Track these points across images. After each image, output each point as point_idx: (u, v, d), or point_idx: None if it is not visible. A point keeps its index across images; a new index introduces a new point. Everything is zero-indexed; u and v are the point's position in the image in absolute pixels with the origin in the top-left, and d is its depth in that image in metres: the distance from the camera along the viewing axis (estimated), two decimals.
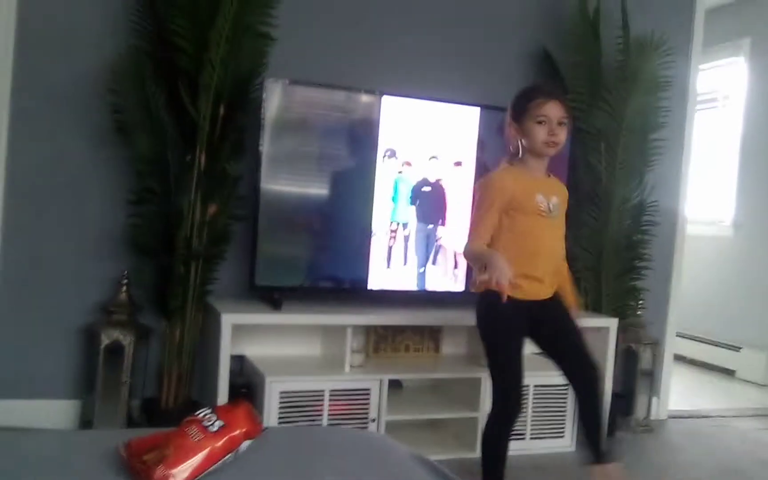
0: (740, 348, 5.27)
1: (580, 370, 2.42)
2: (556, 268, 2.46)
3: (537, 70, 3.68)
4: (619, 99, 3.53)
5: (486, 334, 2.41)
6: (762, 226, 5.30)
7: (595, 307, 3.61)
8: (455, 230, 3.27)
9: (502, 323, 2.35)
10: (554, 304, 2.45)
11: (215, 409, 1.56)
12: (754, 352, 5.16)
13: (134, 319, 2.95)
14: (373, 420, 2.95)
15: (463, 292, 3.31)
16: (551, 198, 2.40)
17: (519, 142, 2.38)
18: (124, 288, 2.95)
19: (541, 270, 2.38)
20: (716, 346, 5.44)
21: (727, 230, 5.54)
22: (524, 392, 2.42)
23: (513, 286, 2.19)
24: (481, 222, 2.34)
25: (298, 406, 2.85)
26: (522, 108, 2.37)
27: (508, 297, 2.14)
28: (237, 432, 1.51)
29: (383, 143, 3.11)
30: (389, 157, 3.13)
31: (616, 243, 3.63)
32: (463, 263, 3.28)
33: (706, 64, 4.86)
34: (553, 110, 2.34)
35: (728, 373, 5.33)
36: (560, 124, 2.35)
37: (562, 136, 2.37)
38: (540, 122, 2.33)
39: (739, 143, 5.53)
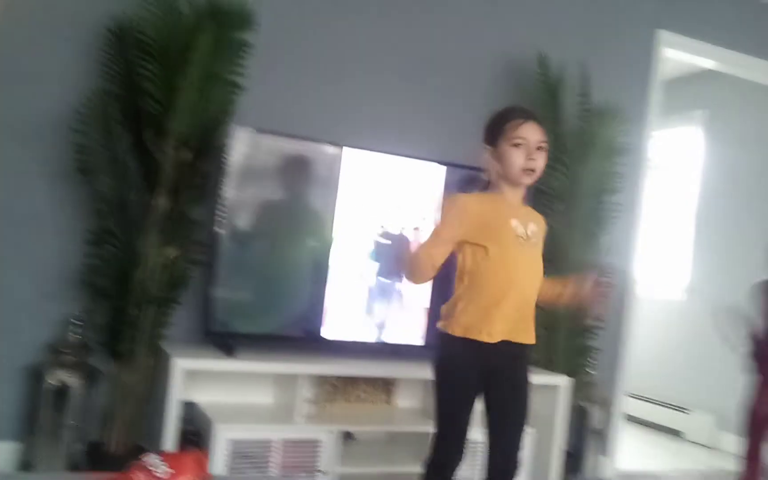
0: (688, 410, 5.36)
1: (503, 459, 2.26)
2: (531, 308, 2.26)
3: None
4: (577, 163, 3.63)
5: (440, 379, 2.27)
6: (715, 291, 5.43)
7: (547, 364, 3.65)
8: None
9: (459, 377, 2.23)
10: (518, 372, 2.29)
11: (163, 455, 1.54)
12: (702, 414, 5.25)
13: (83, 361, 2.89)
14: (324, 472, 2.92)
15: (417, 345, 3.32)
16: (528, 224, 2.23)
17: (493, 170, 2.23)
18: (75, 329, 2.89)
19: (513, 303, 2.18)
20: (665, 407, 5.53)
21: (681, 294, 5.67)
22: (465, 447, 2.27)
23: (483, 326, 2.13)
24: (438, 237, 2.19)
25: (247, 455, 2.80)
26: (497, 129, 2.20)
27: (469, 341, 2.14)
28: (184, 479, 1.50)
29: (344, 195, 3.14)
30: (354, 209, 3.16)
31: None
32: (421, 316, 3.30)
33: (662, 132, 5.04)
34: (532, 133, 2.17)
35: (676, 434, 5.41)
36: (539, 148, 2.18)
37: (541, 161, 2.19)
38: (516, 145, 2.16)
39: (694, 211, 5.70)
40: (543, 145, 2.19)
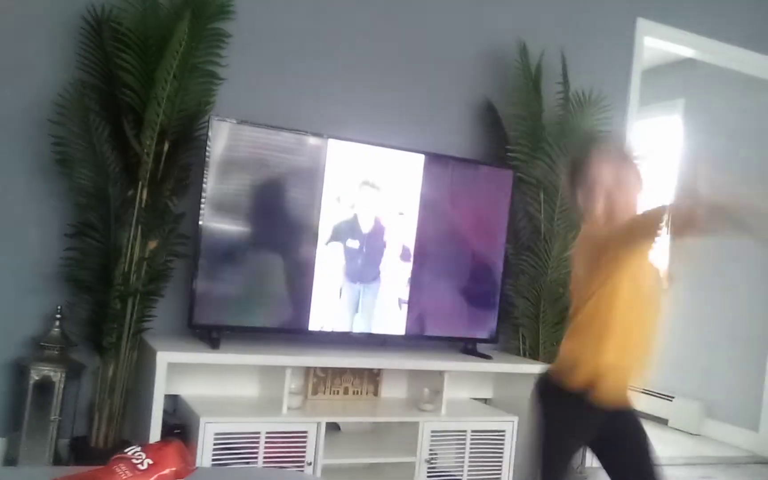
0: (673, 397, 5.40)
1: None
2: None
3: (481, 121, 3.78)
4: (559, 151, 3.64)
5: (545, 422, 1.99)
6: (696, 278, 5.48)
7: (531, 353, 3.67)
8: (396, 273, 3.30)
9: (566, 426, 1.98)
10: (627, 414, 2.07)
11: (145, 447, 1.53)
12: (687, 401, 5.30)
13: (66, 355, 2.88)
14: (310, 463, 2.91)
15: (404, 335, 3.33)
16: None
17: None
18: (57, 323, 2.88)
19: (642, 362, 2.01)
20: (650, 395, 5.56)
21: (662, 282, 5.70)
22: None
23: (598, 379, 1.89)
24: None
25: (233, 447, 2.80)
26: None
27: (586, 399, 1.89)
28: (167, 471, 1.49)
29: (328, 186, 3.14)
30: (337, 200, 3.15)
31: (553, 291, 3.70)
32: (401, 308, 3.30)
33: (642, 121, 5.06)
34: None
35: (661, 421, 5.45)
36: None
37: None
38: None
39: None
40: None
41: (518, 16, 3.88)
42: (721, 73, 4.92)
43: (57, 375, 2.77)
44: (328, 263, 3.16)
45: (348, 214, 3.19)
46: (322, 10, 3.46)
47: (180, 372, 2.94)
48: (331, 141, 3.14)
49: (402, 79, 3.63)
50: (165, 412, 2.77)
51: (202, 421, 2.75)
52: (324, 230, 3.14)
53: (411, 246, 3.32)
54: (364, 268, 3.24)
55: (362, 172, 3.20)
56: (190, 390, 3.03)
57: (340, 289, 3.20)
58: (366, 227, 3.24)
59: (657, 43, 4.36)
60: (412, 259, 3.32)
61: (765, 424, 4.83)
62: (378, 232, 3.26)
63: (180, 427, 2.86)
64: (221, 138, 2.95)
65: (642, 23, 4.21)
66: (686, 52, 4.60)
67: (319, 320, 3.15)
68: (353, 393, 3.31)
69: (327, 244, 3.15)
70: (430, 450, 3.15)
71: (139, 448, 1.53)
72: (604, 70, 4.06)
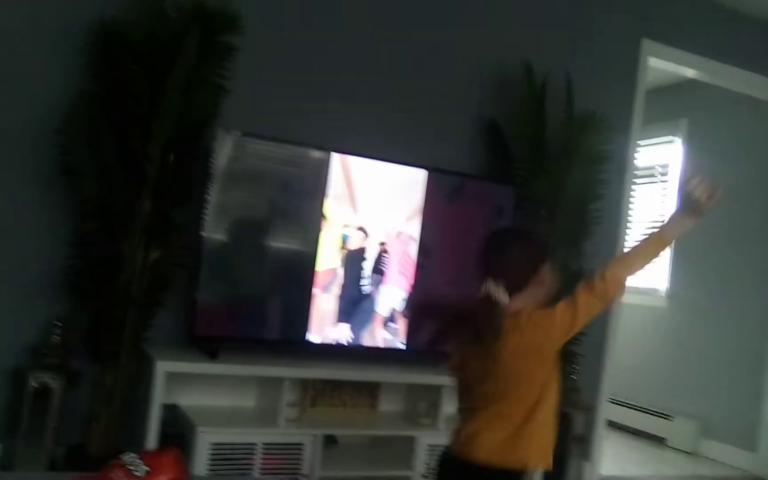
0: (672, 417, 5.39)
1: None
2: None
3: (485, 138, 3.80)
4: (562, 170, 3.65)
5: None
6: (694, 298, 5.47)
7: None
8: (396, 288, 3.30)
9: None
10: None
11: (142, 454, 1.54)
12: (685, 421, 5.28)
13: (65, 363, 2.88)
14: (306, 476, 2.91)
15: (403, 349, 3.34)
16: None
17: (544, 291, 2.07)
18: (57, 331, 2.88)
19: None
20: (648, 413, 5.55)
21: (662, 301, 5.71)
22: None
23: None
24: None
25: (229, 458, 2.80)
26: (544, 253, 2.10)
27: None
28: (163, 478, 1.50)
29: (331, 199, 3.15)
30: (338, 211, 3.16)
31: None
32: (401, 321, 3.31)
33: (645, 141, 5.08)
34: None
35: (659, 440, 5.43)
36: None
37: None
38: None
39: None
40: None
41: (524, 36, 3.90)
42: (726, 95, 4.93)
43: (55, 382, 2.77)
44: (329, 276, 3.16)
45: (352, 229, 3.19)
46: (328, 24, 3.47)
47: (178, 381, 2.94)
48: (334, 155, 3.16)
49: (407, 95, 3.64)
50: (162, 421, 2.78)
51: (199, 430, 2.75)
52: (325, 242, 3.14)
53: (412, 260, 3.32)
54: (364, 281, 3.25)
55: (366, 186, 3.21)
56: (187, 400, 3.04)
57: (340, 303, 3.20)
58: (367, 244, 3.24)
59: (661, 64, 4.38)
60: (412, 273, 3.33)
61: (762, 444, 4.82)
62: (380, 246, 3.26)
63: (177, 436, 2.86)
64: (226, 150, 2.96)
65: (647, 44, 4.22)
66: (691, 73, 4.62)
67: (318, 333, 3.16)
68: (351, 406, 3.31)
69: (328, 255, 3.15)
70: (427, 464, 3.15)
71: (135, 455, 1.54)
72: (608, 90, 4.07)
